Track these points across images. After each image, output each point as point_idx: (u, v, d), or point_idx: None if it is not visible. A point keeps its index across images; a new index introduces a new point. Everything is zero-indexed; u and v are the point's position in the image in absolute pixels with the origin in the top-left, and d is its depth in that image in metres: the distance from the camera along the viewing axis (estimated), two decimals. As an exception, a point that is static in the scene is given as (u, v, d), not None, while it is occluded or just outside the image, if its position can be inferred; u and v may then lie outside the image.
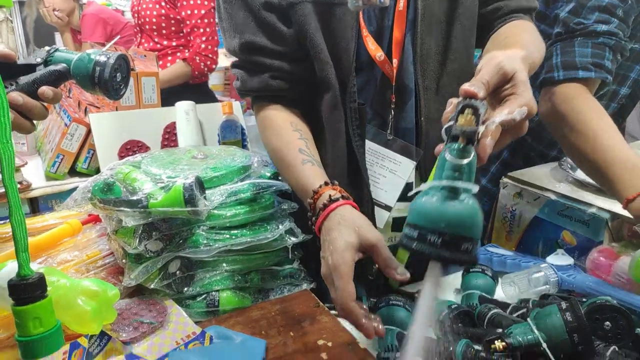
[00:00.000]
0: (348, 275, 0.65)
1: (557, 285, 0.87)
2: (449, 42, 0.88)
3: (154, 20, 2.31)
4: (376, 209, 0.92)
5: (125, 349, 0.69)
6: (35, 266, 0.70)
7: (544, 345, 0.60)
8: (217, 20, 0.94)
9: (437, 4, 0.86)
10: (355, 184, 0.89)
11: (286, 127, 0.87)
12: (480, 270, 0.88)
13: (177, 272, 0.81)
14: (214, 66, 2.38)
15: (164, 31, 2.34)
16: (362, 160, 0.88)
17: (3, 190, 0.48)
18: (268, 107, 0.91)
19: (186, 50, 2.36)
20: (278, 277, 0.89)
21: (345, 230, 0.68)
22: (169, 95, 2.07)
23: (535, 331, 0.61)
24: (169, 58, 2.38)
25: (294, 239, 0.87)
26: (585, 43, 0.96)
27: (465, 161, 0.50)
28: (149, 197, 0.77)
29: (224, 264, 0.84)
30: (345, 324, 0.79)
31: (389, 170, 0.91)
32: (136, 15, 2.37)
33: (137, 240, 0.78)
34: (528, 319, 0.64)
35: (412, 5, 0.85)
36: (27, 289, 0.49)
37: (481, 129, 0.55)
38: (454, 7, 0.87)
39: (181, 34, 2.35)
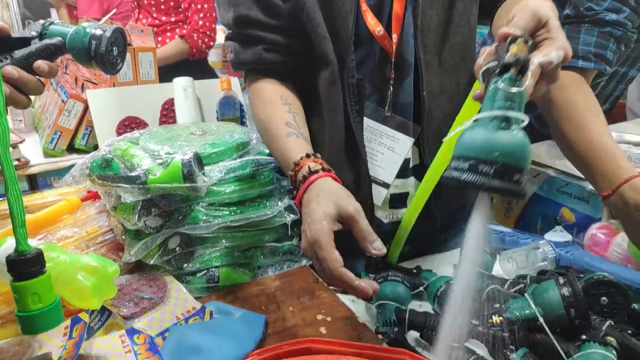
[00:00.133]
0: (329, 243, 0.63)
1: (555, 262, 0.88)
2: (451, 15, 0.87)
3: None
4: (374, 186, 0.92)
5: (126, 324, 0.69)
6: (35, 242, 0.70)
7: (541, 319, 0.61)
8: None
9: None
10: (353, 161, 0.89)
11: (275, 100, 0.86)
12: (479, 246, 0.89)
13: (177, 248, 0.81)
14: (212, 43, 2.35)
15: (162, 6, 2.30)
16: (360, 137, 0.87)
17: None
18: (260, 80, 0.91)
19: (185, 26, 2.33)
20: (277, 254, 0.89)
21: (323, 202, 0.67)
22: (169, 71, 2.05)
23: (533, 306, 0.62)
24: (168, 34, 2.35)
25: (293, 216, 0.87)
26: (591, 31, 0.95)
27: (518, 89, 0.49)
28: (148, 173, 0.77)
29: (224, 240, 0.84)
30: (344, 299, 0.80)
31: (386, 147, 0.91)
32: (134, -11, 2.34)
33: (137, 217, 0.78)
34: (525, 294, 0.65)
35: None
36: (25, 265, 0.49)
37: None
38: None
39: (180, 9, 2.32)
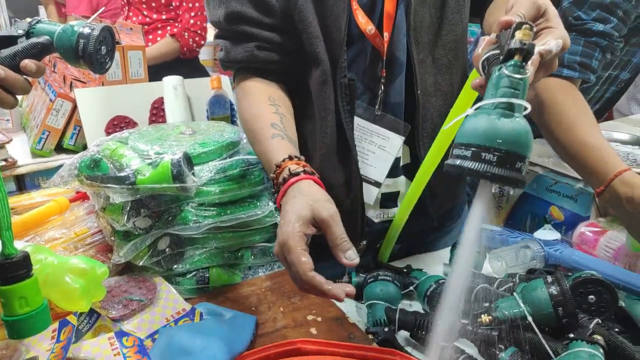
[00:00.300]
0: (297, 246, 0.60)
1: (544, 260, 0.88)
2: (443, 13, 0.87)
3: None
4: (365, 185, 0.92)
5: (114, 326, 0.69)
6: (22, 244, 0.70)
7: (530, 318, 0.61)
8: None
9: None
10: (344, 161, 0.89)
11: (263, 100, 0.84)
12: (469, 245, 0.89)
13: (167, 249, 0.81)
14: (202, 42, 2.34)
15: (153, 4, 2.29)
16: (351, 136, 0.87)
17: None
18: (249, 79, 0.88)
19: (176, 24, 2.31)
20: (268, 254, 0.89)
21: (298, 204, 0.64)
22: (160, 69, 2.03)
23: (521, 305, 0.62)
24: (159, 32, 2.33)
25: (283, 216, 0.87)
26: (578, 40, 0.96)
27: (523, 76, 0.49)
28: (137, 174, 0.76)
29: (214, 241, 0.84)
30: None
31: (377, 146, 0.91)
32: (124, -14, 2.32)
33: (126, 217, 0.77)
34: (514, 293, 0.65)
35: None
36: (12, 268, 0.49)
37: None
38: None
39: (171, 7, 2.30)
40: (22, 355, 0.60)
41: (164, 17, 2.31)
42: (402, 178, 0.94)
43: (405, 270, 0.88)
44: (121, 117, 1.46)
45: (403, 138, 0.90)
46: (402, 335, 0.73)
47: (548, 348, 0.60)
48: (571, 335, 0.60)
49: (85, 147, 1.50)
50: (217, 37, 0.90)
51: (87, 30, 0.68)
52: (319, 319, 0.75)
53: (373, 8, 0.85)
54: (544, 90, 0.94)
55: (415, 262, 0.94)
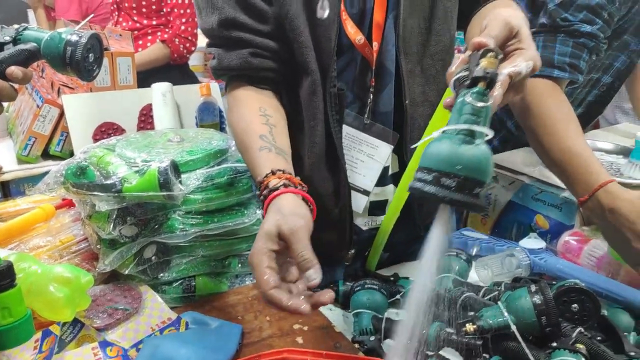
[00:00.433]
0: (260, 264, 0.59)
1: (530, 269, 0.89)
2: (432, 24, 0.88)
3: None
4: (354, 193, 0.92)
5: (99, 335, 0.68)
6: (6, 252, 0.69)
7: (514, 327, 0.61)
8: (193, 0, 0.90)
9: None
10: (333, 170, 0.89)
11: (253, 111, 0.82)
12: (455, 254, 0.90)
13: (153, 257, 0.81)
14: (193, 48, 2.34)
15: (144, 10, 2.28)
16: (340, 145, 0.88)
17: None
18: (242, 88, 0.87)
19: (167, 30, 2.31)
20: (255, 262, 0.89)
21: (267, 220, 0.63)
22: (149, 75, 2.03)
23: (506, 314, 0.63)
24: (149, 37, 2.33)
25: (270, 224, 0.87)
26: (566, 41, 0.98)
27: (485, 104, 0.50)
28: (123, 181, 0.76)
29: (201, 249, 0.83)
30: (321, 307, 0.80)
31: (366, 155, 0.92)
32: (114, -8, 2.31)
33: (112, 225, 0.77)
34: (499, 302, 0.66)
35: None
36: (-6, 278, 0.49)
37: None
38: None
39: (161, 13, 2.30)
40: (4, 365, 0.59)
41: (154, 22, 2.31)
42: (391, 186, 0.95)
43: (392, 278, 0.88)
44: (109, 123, 1.46)
45: (392, 147, 0.91)
46: (389, 344, 0.74)
47: (531, 357, 0.61)
48: (554, 344, 0.61)
49: (72, 154, 1.49)
50: (209, 45, 0.88)
51: (74, 38, 0.68)
52: (305, 328, 0.75)
53: (363, 18, 0.86)
54: (531, 93, 0.95)
55: (403, 270, 0.94)
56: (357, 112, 0.90)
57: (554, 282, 0.71)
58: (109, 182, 0.77)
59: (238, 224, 0.84)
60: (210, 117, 1.52)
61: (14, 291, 0.50)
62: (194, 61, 3.57)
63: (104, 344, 0.63)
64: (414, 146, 0.78)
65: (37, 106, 1.51)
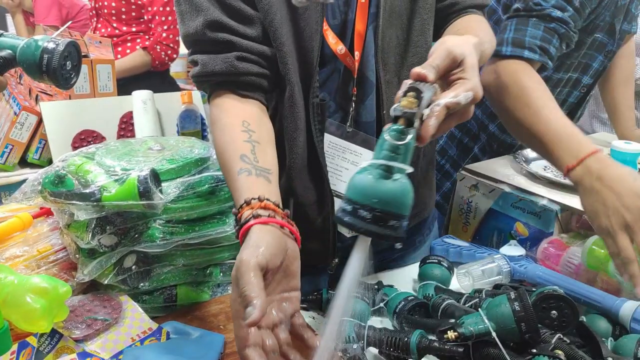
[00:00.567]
0: (234, 315, 0.57)
1: (510, 275, 0.90)
2: (410, 35, 0.89)
3: (113, 4, 2.23)
4: (337, 201, 0.92)
5: (77, 347, 0.67)
6: (-20, 263, 0.68)
7: (494, 334, 0.62)
8: (175, 7, 0.87)
9: None
10: (316, 179, 0.89)
11: (235, 126, 0.77)
12: (437, 261, 0.91)
13: (133, 267, 0.80)
14: (175, 55, 2.33)
15: (123, 16, 2.26)
16: (322, 154, 0.88)
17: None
18: (225, 96, 0.82)
19: (146, 37, 2.29)
20: (237, 271, 0.88)
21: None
22: (129, 82, 2.01)
23: (486, 321, 0.63)
24: (129, 44, 2.31)
25: (253, 232, 0.87)
26: (538, 25, 1.02)
27: (402, 142, 0.52)
28: (102, 190, 0.75)
29: (182, 258, 0.83)
30: (305, 315, 0.80)
31: (350, 162, 0.92)
32: (94, -3, 2.29)
33: (90, 235, 0.76)
34: (479, 309, 0.66)
35: None
36: (-31, 290, 0.47)
37: (426, 111, 0.58)
38: (415, 0, 0.87)
39: (141, 20, 2.28)
40: (-22, 379, 0.58)
41: (133, 29, 2.30)
42: (373, 194, 0.95)
43: (376, 286, 0.88)
44: (89, 131, 1.44)
45: None
46: (372, 352, 0.74)
47: (512, 363, 0.61)
48: (534, 350, 0.62)
49: (50, 162, 1.47)
50: (192, 53, 0.83)
51: (51, 45, 0.67)
52: (288, 336, 0.74)
53: (345, 29, 0.86)
54: (505, 74, 0.99)
55: (387, 277, 0.94)
56: (339, 122, 0.90)
57: (533, 289, 0.73)
58: (87, 191, 0.75)
59: (219, 232, 0.83)
60: (192, 124, 1.52)
61: (-10, 303, 0.49)
62: (177, 68, 3.55)
63: (84, 355, 0.61)
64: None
65: (15, 113, 1.48)
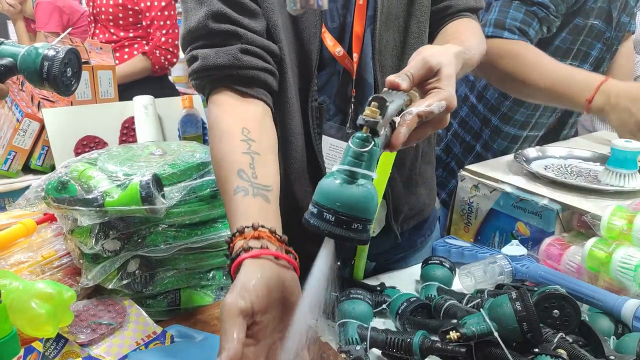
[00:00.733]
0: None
1: (512, 275, 0.90)
2: (406, 37, 0.89)
3: (111, 10, 2.24)
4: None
5: (83, 351, 0.68)
6: (-15, 269, 0.68)
7: (496, 334, 0.62)
8: (179, 3, 0.87)
9: None
10: (316, 181, 0.90)
11: (235, 134, 0.72)
12: (439, 262, 0.91)
13: (137, 271, 0.80)
14: (174, 60, 2.34)
15: (120, 22, 2.28)
16: (321, 157, 0.88)
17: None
18: (226, 94, 0.76)
19: (144, 42, 2.30)
20: (240, 274, 0.88)
21: None
22: (128, 87, 2.02)
23: (488, 321, 0.63)
24: (126, 50, 2.32)
25: (255, 235, 0.87)
26: (520, 8, 1.12)
27: (364, 150, 0.53)
28: (105, 196, 0.76)
29: (185, 262, 0.83)
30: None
31: None
32: (91, 4, 2.30)
33: (94, 240, 0.76)
34: (481, 309, 0.66)
35: (371, 0, 0.86)
36: (-23, 296, 0.48)
37: (397, 119, 0.60)
38: (411, 3, 0.88)
39: (139, 25, 2.30)
40: (-15, 384, 0.58)
41: (131, 35, 2.31)
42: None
43: (379, 288, 0.89)
44: (91, 137, 1.45)
45: None
46: (375, 353, 0.74)
47: (514, 363, 0.61)
48: (536, 350, 0.62)
49: (53, 168, 1.48)
50: (193, 49, 0.78)
51: (51, 53, 0.68)
52: (291, 339, 0.75)
53: (343, 32, 0.87)
54: (494, 49, 1.10)
55: (390, 279, 0.95)
56: (339, 124, 0.91)
57: (535, 289, 0.73)
58: (90, 196, 0.76)
59: (222, 236, 0.84)
60: (193, 129, 1.52)
61: (-1, 308, 0.50)
62: (178, 72, 3.57)
63: (89, 359, 0.62)
64: None
65: (17, 120, 1.49)
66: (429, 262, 0.92)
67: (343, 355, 0.71)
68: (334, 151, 0.91)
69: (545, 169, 1.12)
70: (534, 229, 1.02)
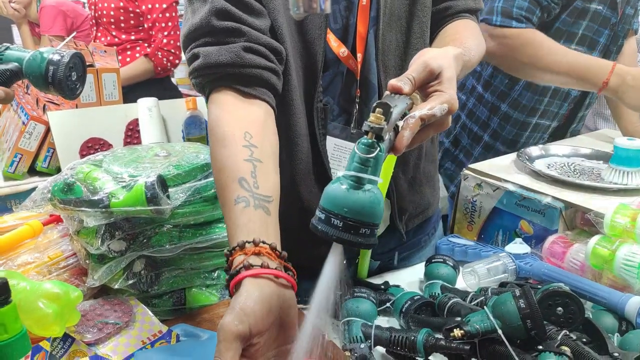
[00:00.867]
0: None
1: (515, 273, 0.91)
2: (409, 37, 0.90)
3: (112, 13, 2.25)
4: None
5: (89, 350, 0.68)
6: (-7, 270, 0.69)
7: (500, 331, 0.63)
8: (180, 5, 0.87)
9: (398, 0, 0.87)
10: (322, 183, 0.90)
11: (237, 138, 0.69)
12: (442, 260, 0.91)
13: (142, 271, 0.81)
14: (177, 61, 2.35)
15: (122, 25, 2.29)
16: (326, 158, 0.89)
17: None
18: (227, 94, 0.74)
19: (146, 44, 2.31)
20: (244, 273, 0.89)
21: None
22: (130, 89, 2.03)
23: (492, 318, 0.64)
24: (128, 52, 2.33)
25: (259, 235, 0.88)
26: None
27: (370, 156, 0.54)
28: (111, 197, 0.76)
29: (190, 262, 0.84)
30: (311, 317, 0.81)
31: None
32: (93, 7, 2.31)
33: (100, 241, 0.77)
34: (485, 307, 0.67)
35: (374, 1, 0.86)
36: (-12, 295, 0.49)
37: (401, 122, 0.60)
38: (413, 3, 0.88)
39: (140, 28, 2.30)
40: (-6, 383, 0.59)
41: (132, 37, 2.32)
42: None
43: (383, 286, 0.89)
44: (96, 139, 1.46)
45: None
46: (379, 351, 0.74)
47: (518, 360, 0.62)
48: (540, 347, 0.62)
49: (59, 170, 1.49)
50: (195, 47, 0.76)
51: (56, 57, 0.69)
52: (296, 337, 0.75)
53: (346, 33, 0.87)
54: (507, 39, 1.18)
55: (394, 277, 0.95)
56: (344, 124, 0.91)
57: (539, 286, 0.73)
58: (96, 197, 0.77)
59: (226, 236, 0.84)
60: (197, 130, 1.53)
61: (10, 307, 0.50)
62: (181, 74, 3.58)
63: (96, 358, 0.63)
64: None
65: (23, 123, 1.50)
66: (433, 260, 0.92)
67: (347, 354, 0.72)
68: (339, 151, 0.92)
69: (548, 167, 1.12)
70: (537, 227, 1.02)
